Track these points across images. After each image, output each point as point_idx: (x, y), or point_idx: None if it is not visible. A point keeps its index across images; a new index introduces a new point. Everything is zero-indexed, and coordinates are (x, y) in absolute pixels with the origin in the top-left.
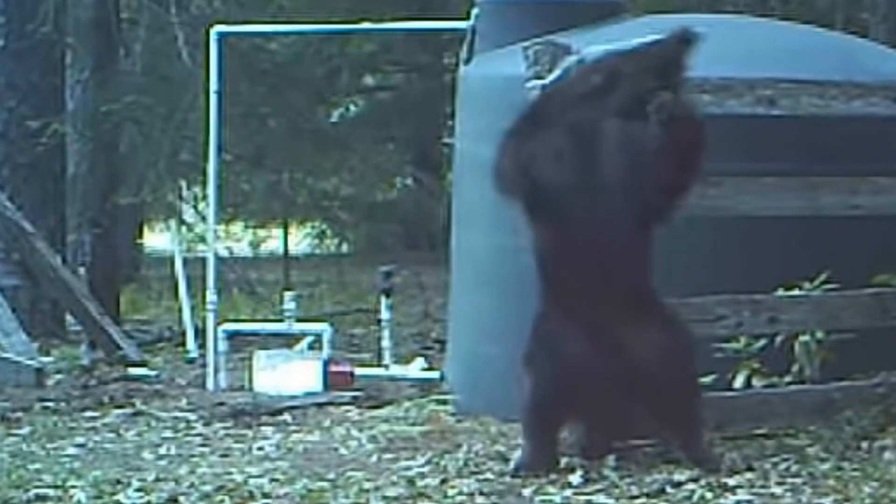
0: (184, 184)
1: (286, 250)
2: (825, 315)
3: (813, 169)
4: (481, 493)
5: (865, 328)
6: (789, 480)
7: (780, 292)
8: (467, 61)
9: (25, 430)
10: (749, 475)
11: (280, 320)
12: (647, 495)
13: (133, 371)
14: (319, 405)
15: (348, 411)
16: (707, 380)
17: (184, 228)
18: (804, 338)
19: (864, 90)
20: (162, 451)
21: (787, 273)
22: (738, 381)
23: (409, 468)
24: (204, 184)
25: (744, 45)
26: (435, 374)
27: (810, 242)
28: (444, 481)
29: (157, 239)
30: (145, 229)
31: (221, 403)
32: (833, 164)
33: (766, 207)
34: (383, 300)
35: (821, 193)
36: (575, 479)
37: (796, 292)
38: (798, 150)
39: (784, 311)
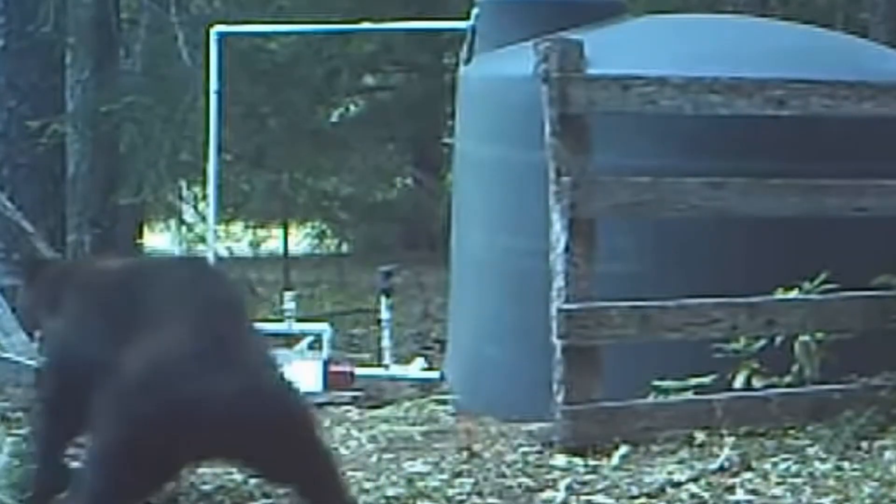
0: (184, 184)
1: (286, 250)
2: (822, 318)
3: (820, 170)
4: (481, 494)
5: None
6: (789, 480)
7: (779, 294)
8: (467, 61)
9: (25, 430)
10: (749, 475)
11: (280, 320)
12: (647, 495)
13: None
14: (319, 405)
15: (348, 411)
16: (707, 380)
17: (184, 228)
18: (804, 338)
19: (875, 91)
20: None
21: (792, 275)
22: (738, 381)
23: (409, 468)
24: (204, 184)
25: (749, 45)
26: (435, 374)
27: (816, 244)
28: (444, 481)
29: (157, 239)
30: (145, 229)
31: None
32: (840, 164)
33: (770, 209)
34: (383, 300)
35: (826, 195)
36: (575, 478)
37: (793, 295)
38: (805, 150)
39: (781, 315)
